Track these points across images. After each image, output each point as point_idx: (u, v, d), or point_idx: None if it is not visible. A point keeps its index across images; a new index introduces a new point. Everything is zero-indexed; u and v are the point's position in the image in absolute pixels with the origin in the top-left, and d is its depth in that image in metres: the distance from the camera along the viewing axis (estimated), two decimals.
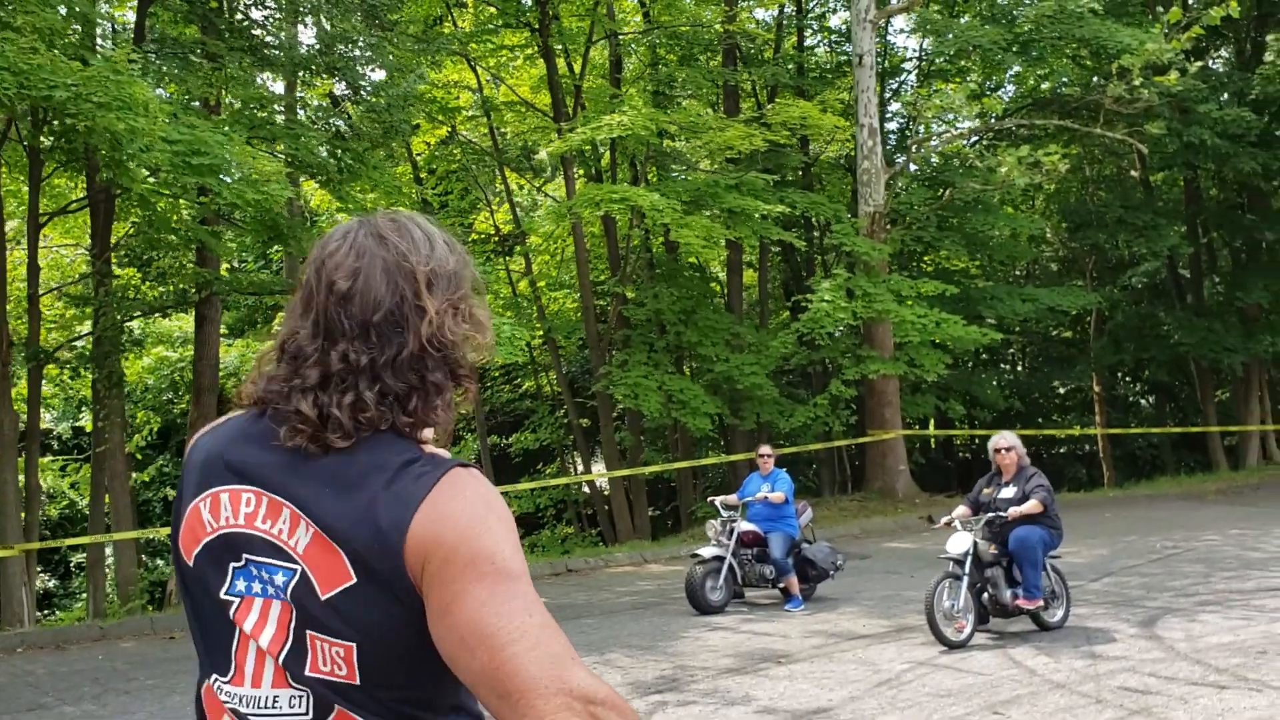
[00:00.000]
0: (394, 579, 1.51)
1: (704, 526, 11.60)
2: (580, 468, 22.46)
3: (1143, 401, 36.73)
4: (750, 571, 11.40)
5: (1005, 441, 10.16)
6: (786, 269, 25.86)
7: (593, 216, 22.18)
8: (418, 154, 23.26)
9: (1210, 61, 24.19)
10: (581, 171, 22.38)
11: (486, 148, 22.74)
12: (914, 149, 21.30)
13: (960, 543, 9.58)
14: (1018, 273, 32.17)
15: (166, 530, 17.04)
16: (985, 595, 9.70)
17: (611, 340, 20.63)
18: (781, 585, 11.34)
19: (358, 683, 1.54)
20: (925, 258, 25.12)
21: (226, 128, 11.67)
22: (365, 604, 1.52)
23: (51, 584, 23.81)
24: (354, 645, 1.53)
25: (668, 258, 22.43)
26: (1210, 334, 23.36)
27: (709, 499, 11.96)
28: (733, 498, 11.80)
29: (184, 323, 25.84)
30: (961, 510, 10.13)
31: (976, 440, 35.15)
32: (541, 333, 22.49)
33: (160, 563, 23.63)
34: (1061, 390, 35.26)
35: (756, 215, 18.85)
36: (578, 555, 15.88)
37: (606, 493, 21.63)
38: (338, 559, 1.52)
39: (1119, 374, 33.42)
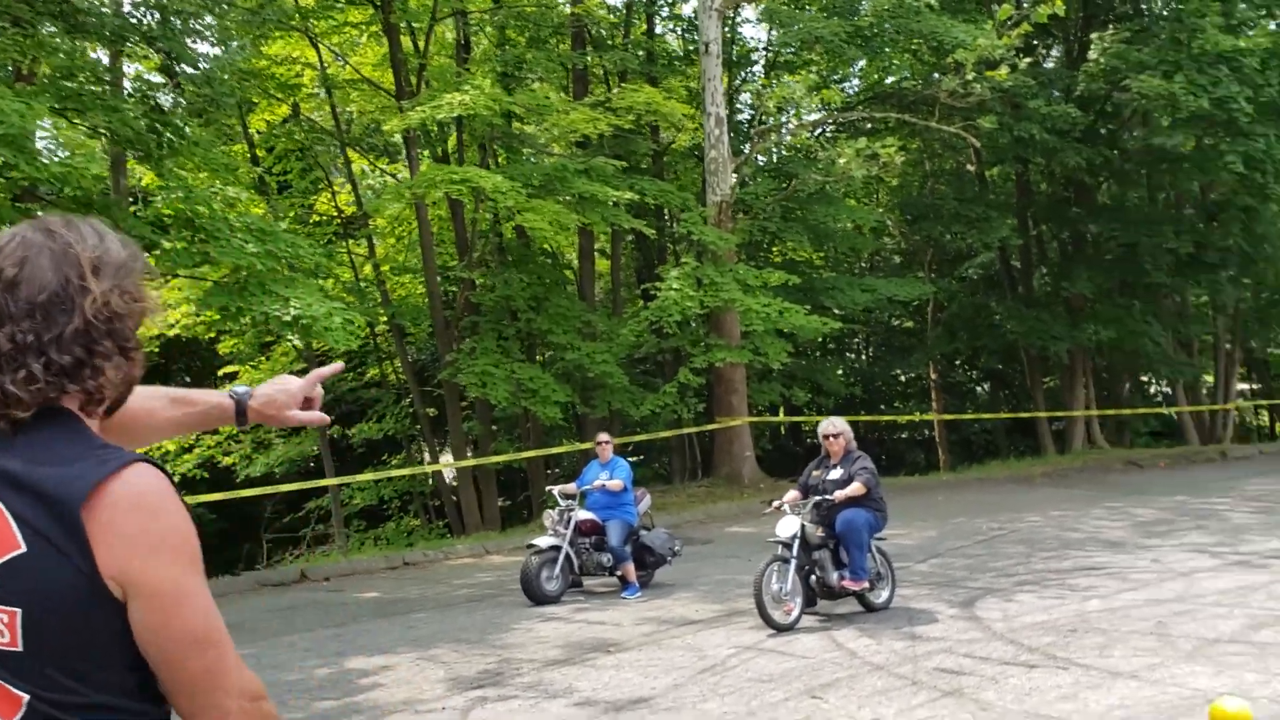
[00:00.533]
0: (64, 551, 1.58)
1: (543, 516, 11.47)
2: (427, 458, 22.05)
3: (979, 389, 38.14)
4: (588, 560, 11.33)
5: (833, 428, 10.31)
6: (640, 257, 25.91)
7: (440, 199, 21.85)
8: (257, 132, 22.45)
9: (1043, 60, 25.15)
10: (427, 154, 21.90)
11: (329, 127, 22.08)
12: (757, 139, 21.53)
13: (788, 526, 9.69)
14: (863, 264, 32.99)
15: None
16: (813, 578, 9.84)
17: (459, 327, 20.27)
18: (619, 573, 11.29)
19: (19, 649, 1.59)
20: (773, 248, 25.47)
21: (33, 98, 10.95)
22: (32, 572, 1.58)
23: None
24: (18, 611, 1.58)
25: (518, 243, 22.18)
26: (1038, 323, 24.32)
27: (547, 488, 11.82)
28: (571, 486, 11.71)
29: None
30: (791, 494, 10.25)
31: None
32: (385, 319, 21.98)
33: None
34: (903, 378, 36.36)
35: (608, 202, 18.77)
36: (418, 548, 15.55)
37: (455, 484, 21.30)
38: (7, 527, 1.58)
39: (956, 362, 34.62)
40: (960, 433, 33.48)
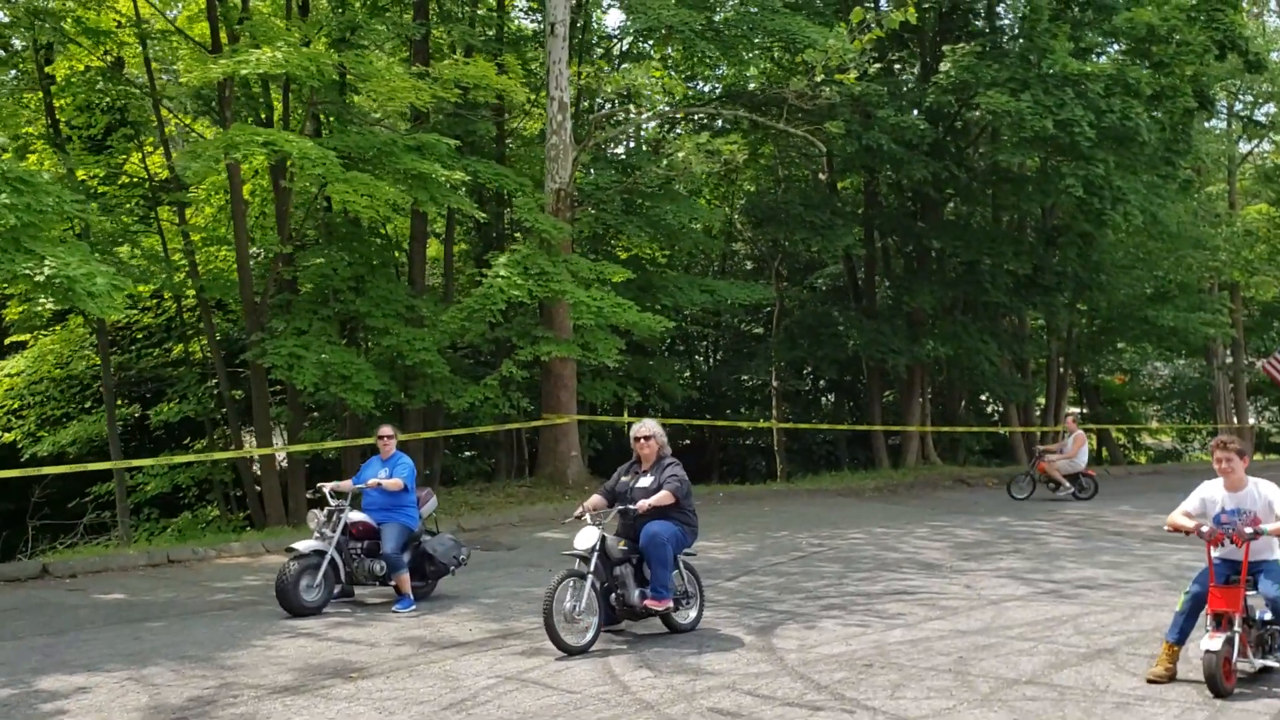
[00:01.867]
0: None
1: (308, 517, 10.29)
2: (247, 445, 20.41)
3: (823, 399, 38.06)
4: (359, 568, 10.18)
5: (645, 430, 9.40)
6: (479, 241, 24.66)
7: (262, 168, 20.29)
8: (62, 79, 20.39)
9: (898, 72, 24.89)
10: (250, 118, 20.31)
11: (140, 80, 20.26)
12: (594, 127, 20.58)
13: (586, 538, 8.78)
14: (715, 267, 32.42)
15: None
16: (614, 595, 8.94)
17: (271, 305, 18.78)
18: (393, 583, 10.19)
19: None
20: (615, 242, 24.60)
21: None
22: None
23: None
24: None
25: (346, 221, 20.74)
26: (879, 335, 24.05)
27: (318, 485, 10.61)
28: (346, 484, 10.55)
29: None
30: (595, 500, 9.33)
31: (668, 429, 35.41)
32: (193, 293, 20.29)
33: None
34: (750, 384, 35.95)
35: (440, 181, 17.53)
36: (188, 544, 14.12)
37: (258, 473, 19.78)
38: None
39: (805, 371, 34.38)
40: (802, 442, 33.24)
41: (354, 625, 9.39)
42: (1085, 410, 36.68)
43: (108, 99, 20.52)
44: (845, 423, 32.60)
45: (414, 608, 10.06)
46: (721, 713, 6.83)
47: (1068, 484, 19.62)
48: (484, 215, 19.38)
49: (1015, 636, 8.89)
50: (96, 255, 15.40)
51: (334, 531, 9.95)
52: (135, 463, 17.51)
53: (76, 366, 21.11)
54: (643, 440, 9.34)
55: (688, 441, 37.24)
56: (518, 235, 21.55)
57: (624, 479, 9.38)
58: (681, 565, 9.27)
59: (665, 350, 34.29)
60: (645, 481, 9.20)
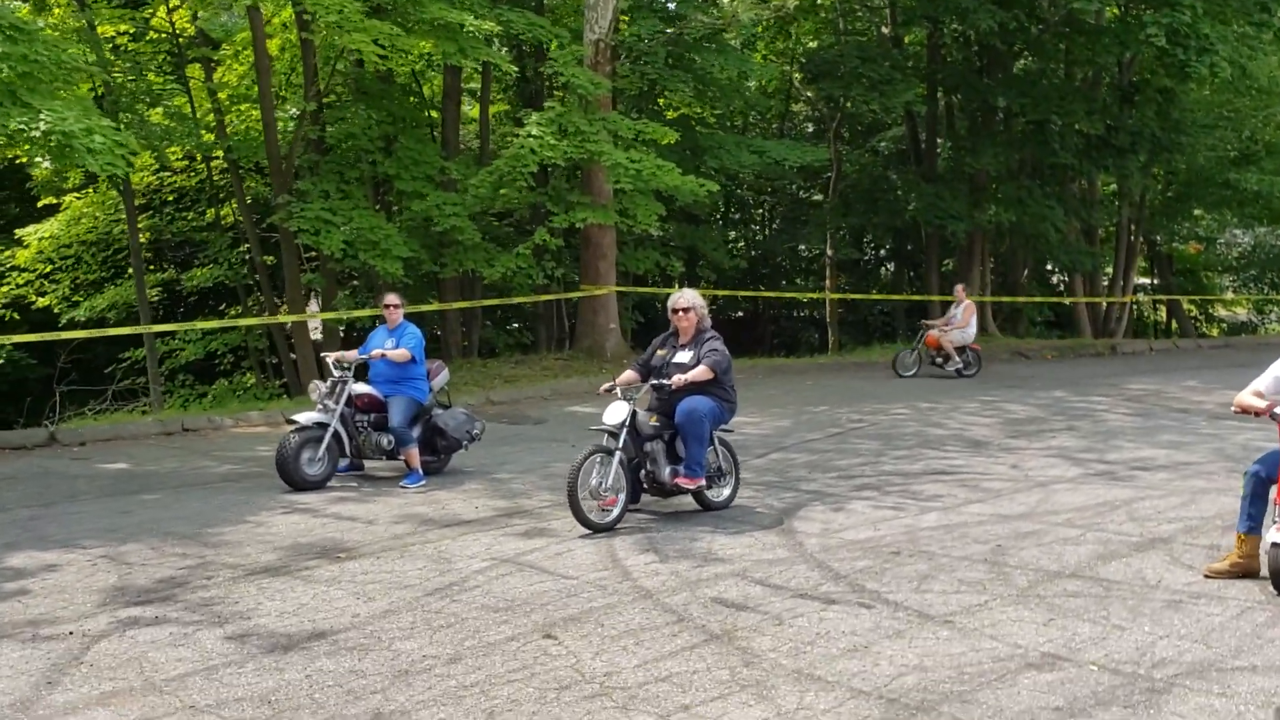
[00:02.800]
0: None
1: (309, 388, 9.78)
2: (266, 311, 20.01)
3: (883, 269, 36.82)
4: (366, 441, 9.69)
5: (684, 300, 8.69)
6: (518, 100, 23.62)
7: (289, 20, 19.35)
8: None
9: None
10: None
11: None
12: None
13: (616, 413, 8.20)
14: (775, 128, 31.00)
15: None
16: (643, 471, 8.39)
17: (298, 167, 18.10)
18: (402, 457, 9.69)
19: None
20: (662, 101, 23.41)
21: None
22: None
23: None
24: None
25: (374, 77, 19.82)
26: (938, 200, 22.83)
27: (322, 354, 10.06)
28: (352, 353, 9.99)
29: None
30: (628, 374, 8.73)
31: (720, 301, 34.50)
32: (221, 154, 19.66)
33: None
34: (808, 254, 34.76)
35: (473, 32, 16.51)
36: (202, 413, 13.77)
37: (291, 340, 19.40)
38: None
39: (865, 239, 33.09)
40: (858, 314, 32.23)
41: (356, 501, 8.92)
42: (1156, 280, 35.18)
43: None
44: (904, 293, 31.55)
45: (423, 483, 9.58)
46: (724, 603, 6.24)
47: (957, 358, 18.24)
48: (514, 69, 18.31)
49: (1061, 523, 8.18)
50: (112, 117, 14.81)
51: (337, 403, 9.43)
52: (158, 327, 17.21)
53: (110, 230, 20.71)
54: (681, 312, 8.65)
55: (739, 314, 36.41)
56: (558, 93, 20.48)
57: (660, 352, 8.74)
58: (717, 441, 8.70)
59: (719, 218, 33.21)
60: (683, 356, 8.53)
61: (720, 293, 31.53)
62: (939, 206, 22.94)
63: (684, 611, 6.09)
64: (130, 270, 21.81)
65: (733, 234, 35.26)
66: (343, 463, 9.79)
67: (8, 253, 19.99)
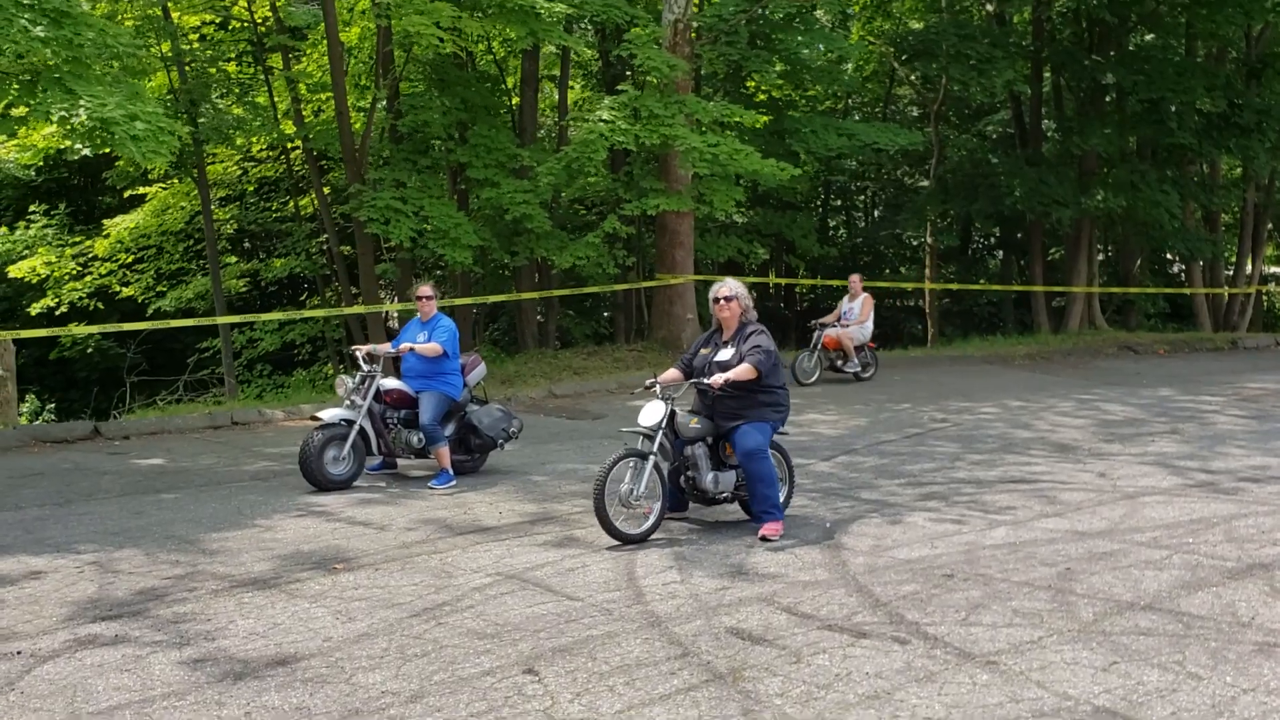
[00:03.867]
0: None
1: (335, 383, 9.35)
2: (343, 301, 19.83)
3: (991, 257, 35.28)
4: (396, 438, 9.21)
5: (725, 289, 7.97)
6: (601, 85, 23.03)
7: (366, 7, 19.06)
8: None
9: None
10: None
11: None
12: None
13: (652, 413, 7.57)
14: (879, 112, 29.82)
15: None
16: (683, 477, 7.77)
17: (371, 156, 17.83)
18: (432, 456, 9.19)
19: None
20: (750, 84, 22.55)
21: None
22: None
23: None
24: None
25: (451, 63, 19.43)
26: (1042, 185, 21.51)
27: (351, 348, 9.61)
28: (384, 346, 9.52)
29: None
30: (669, 373, 8.07)
31: (819, 290, 33.46)
32: (299, 144, 19.51)
33: None
34: (914, 241, 33.46)
35: (543, 14, 15.99)
36: (251, 405, 13.51)
37: (367, 331, 19.17)
38: None
39: (976, 225, 31.66)
40: (964, 304, 30.88)
41: (376, 504, 8.43)
42: None
43: None
44: (1014, 283, 30.10)
45: (453, 483, 9.07)
46: (740, 635, 5.54)
47: (855, 359, 16.01)
48: (589, 52, 17.72)
49: (1145, 542, 7.26)
50: (189, 108, 14.58)
51: (364, 399, 8.96)
52: (227, 319, 17.07)
53: (193, 221, 20.78)
54: (722, 301, 7.93)
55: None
56: (640, 76, 19.83)
57: (703, 351, 8.02)
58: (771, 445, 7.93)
59: (819, 204, 32.18)
60: (725, 354, 7.82)
61: (808, 282, 30.64)
62: (1043, 192, 21.62)
63: (691, 644, 5.41)
64: (224, 260, 21.96)
65: (833, 221, 34.22)
66: (375, 460, 9.36)
67: (89, 243, 20.18)
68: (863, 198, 34.73)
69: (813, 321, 16.92)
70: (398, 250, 18.16)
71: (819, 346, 15.87)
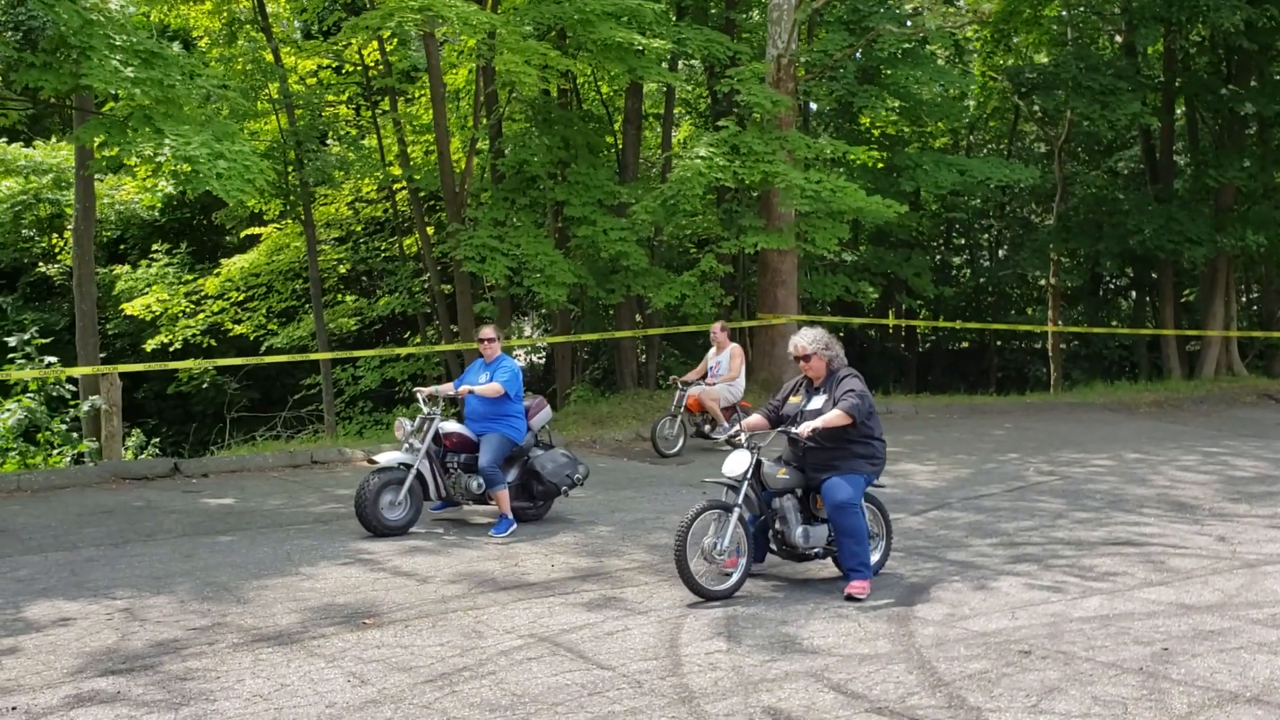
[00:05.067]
0: None
1: (394, 426, 9.12)
2: (443, 339, 19.84)
3: (1122, 298, 33.62)
4: (456, 483, 8.90)
5: (802, 346, 7.42)
6: (707, 121, 22.69)
7: (469, 49, 19.15)
8: None
9: None
10: None
11: None
12: None
13: (738, 463, 7.15)
14: (1003, 149, 28.79)
15: None
16: (771, 531, 7.35)
17: (469, 195, 17.82)
18: (491, 502, 8.85)
19: None
20: (862, 119, 21.93)
21: None
22: None
23: None
24: None
25: (553, 102, 19.37)
26: (1173, 222, 20.30)
27: (415, 389, 9.35)
28: (446, 387, 9.24)
29: (43, 151, 23.20)
30: (754, 419, 7.65)
31: (941, 331, 32.33)
32: (403, 185, 19.66)
33: None
34: (1042, 281, 32.08)
35: (640, 49, 15.78)
36: (332, 445, 13.40)
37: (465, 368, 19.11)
38: None
39: (1107, 263, 30.24)
40: (1093, 347, 29.45)
41: (425, 553, 8.10)
42: None
43: None
44: (1146, 326, 28.58)
45: (513, 529, 8.73)
46: (775, 717, 5.00)
47: (725, 422, 13.05)
48: (687, 86, 17.40)
49: (1262, 620, 6.46)
50: (296, 150, 14.68)
51: (422, 442, 8.69)
52: (324, 355, 17.15)
53: (302, 259, 21.12)
54: (801, 363, 7.44)
55: (965, 344, 34.10)
56: (752, 113, 19.45)
57: (793, 399, 7.54)
58: (866, 498, 7.45)
59: (940, 242, 31.18)
60: (816, 402, 7.35)
61: (923, 323, 29.63)
62: (1174, 230, 20.41)
63: None
64: (336, 297, 22.29)
65: (956, 260, 33.12)
66: (437, 502, 9.07)
67: (200, 281, 20.66)
68: (986, 236, 33.56)
69: (673, 379, 14.24)
70: (496, 288, 18.09)
71: (682, 409, 13.29)
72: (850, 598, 6.95)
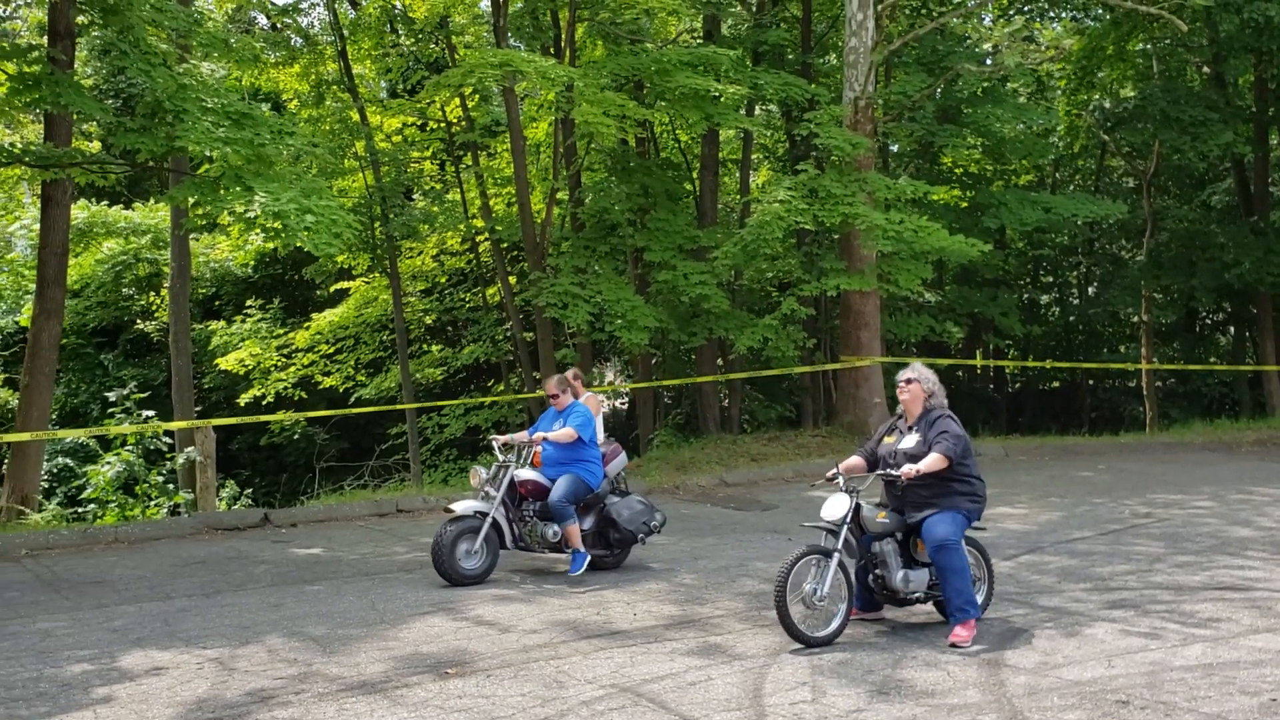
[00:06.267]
0: None
1: (470, 473, 9.17)
2: (526, 387, 20.03)
3: (1220, 334, 32.62)
4: (532, 531, 8.90)
5: (907, 372, 7.44)
6: (789, 164, 22.66)
7: (548, 102, 19.47)
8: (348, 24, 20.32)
9: None
10: (538, 44, 19.55)
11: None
12: (887, 16, 17.54)
13: (836, 507, 7.11)
14: (1090, 184, 28.27)
15: (94, 431, 15.02)
16: (872, 576, 7.28)
17: (548, 244, 18.05)
18: (564, 541, 8.84)
19: None
20: (945, 159, 21.73)
21: None
22: None
23: None
24: None
25: (634, 151, 19.56)
26: (1272, 255, 19.69)
27: (490, 436, 9.35)
28: (521, 435, 9.25)
29: (141, 212, 24.07)
30: (851, 461, 7.58)
31: (1031, 371, 31.68)
32: (485, 236, 19.98)
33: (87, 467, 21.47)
34: (1135, 318, 31.30)
35: (715, 96, 15.90)
36: (417, 493, 13.53)
37: None
38: None
39: (1200, 299, 29.42)
40: (1191, 384, 28.59)
41: (509, 601, 8.11)
42: None
43: (405, 41, 20.42)
44: (1247, 362, 27.68)
45: (587, 561, 8.82)
46: None
47: None
48: (764, 131, 17.44)
49: None
50: (380, 205, 14.94)
51: (498, 490, 8.72)
52: (409, 406, 17.42)
53: (388, 312, 21.52)
54: (902, 383, 7.40)
55: (1056, 384, 33.36)
56: (831, 156, 19.44)
57: (887, 439, 7.48)
58: (964, 541, 7.31)
59: (1028, 280, 30.65)
60: (909, 442, 7.28)
61: (1011, 363, 29.06)
62: (1273, 262, 19.80)
63: None
64: (414, 349, 22.67)
65: (1045, 299, 32.51)
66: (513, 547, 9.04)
67: (290, 335, 21.16)
68: (1075, 273, 32.89)
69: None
70: (577, 335, 18.23)
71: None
72: (954, 646, 6.79)
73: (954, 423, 7.30)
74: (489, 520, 8.58)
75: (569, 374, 11.92)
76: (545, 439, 8.91)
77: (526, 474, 8.91)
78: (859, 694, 5.92)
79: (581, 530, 8.93)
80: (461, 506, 8.67)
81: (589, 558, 8.80)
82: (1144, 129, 20.10)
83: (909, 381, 7.42)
